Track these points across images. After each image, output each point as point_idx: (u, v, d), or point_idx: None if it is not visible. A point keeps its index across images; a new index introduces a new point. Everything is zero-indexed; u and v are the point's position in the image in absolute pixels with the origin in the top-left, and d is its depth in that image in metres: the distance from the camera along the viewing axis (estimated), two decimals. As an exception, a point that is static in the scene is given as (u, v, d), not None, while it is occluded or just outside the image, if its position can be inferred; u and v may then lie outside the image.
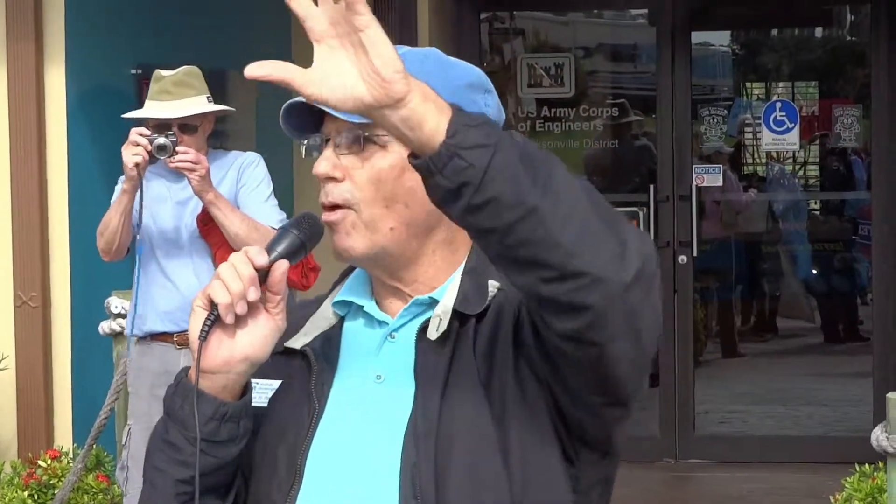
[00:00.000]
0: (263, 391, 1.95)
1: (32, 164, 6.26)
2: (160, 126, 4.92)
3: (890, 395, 3.44)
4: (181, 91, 5.04)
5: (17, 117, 6.28)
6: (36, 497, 5.16)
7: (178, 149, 4.77)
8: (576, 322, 1.71)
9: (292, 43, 7.68)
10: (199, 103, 5.03)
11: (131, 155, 4.73)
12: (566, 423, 1.89)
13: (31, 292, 6.24)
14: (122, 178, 5.03)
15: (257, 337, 1.86)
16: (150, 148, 4.74)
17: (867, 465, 4.99)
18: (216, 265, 4.81)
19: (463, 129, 1.65)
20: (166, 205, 5.09)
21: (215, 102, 5.62)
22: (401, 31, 7.31)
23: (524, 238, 1.67)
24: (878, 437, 3.42)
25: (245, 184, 5.08)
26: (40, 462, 5.53)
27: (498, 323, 1.89)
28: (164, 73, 5.12)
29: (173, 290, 4.97)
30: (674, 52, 8.49)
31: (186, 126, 4.97)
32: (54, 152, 6.26)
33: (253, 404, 1.92)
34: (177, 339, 4.90)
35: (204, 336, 1.83)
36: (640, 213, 8.54)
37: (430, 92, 1.66)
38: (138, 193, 4.85)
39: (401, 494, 1.83)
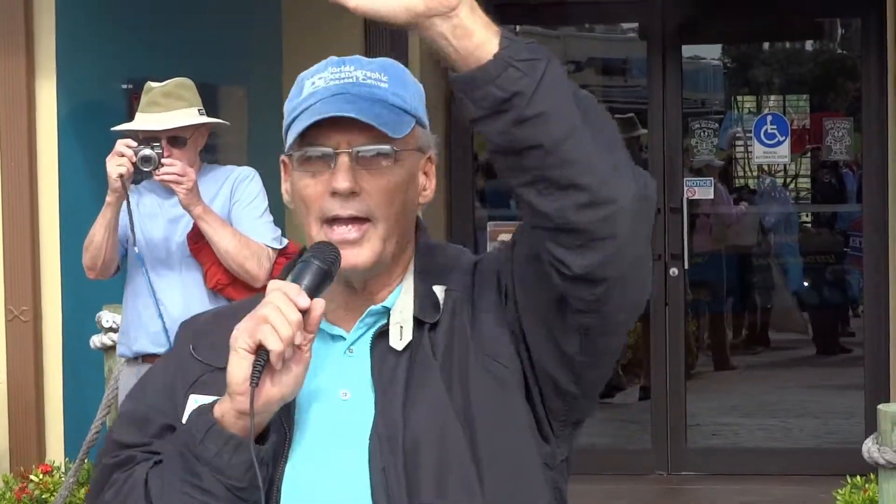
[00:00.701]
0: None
1: (23, 179, 6.24)
2: (149, 139, 4.80)
3: (881, 406, 3.44)
4: (171, 103, 4.92)
5: (8, 132, 6.26)
6: None
7: (163, 161, 4.65)
8: (596, 255, 1.72)
9: (283, 61, 7.73)
10: (189, 115, 4.90)
11: (115, 166, 4.62)
12: (544, 400, 1.88)
13: (22, 306, 6.22)
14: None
15: (293, 377, 1.83)
16: (134, 159, 4.63)
17: (859, 477, 4.99)
18: (206, 284, 4.84)
19: (516, 42, 1.68)
20: (157, 221, 4.97)
21: (214, 118, 5.55)
22: (392, 46, 7.42)
23: (566, 157, 1.69)
24: (870, 448, 3.42)
25: (239, 200, 4.98)
26: (32, 476, 5.50)
27: (452, 323, 1.88)
28: (155, 84, 5.02)
29: (162, 311, 4.87)
30: (664, 65, 8.51)
31: (176, 139, 4.84)
32: (45, 167, 6.24)
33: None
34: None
35: (256, 382, 1.78)
36: None
37: (476, 5, 1.68)
38: (125, 207, 4.73)
39: (374, 502, 1.82)
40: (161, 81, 5.60)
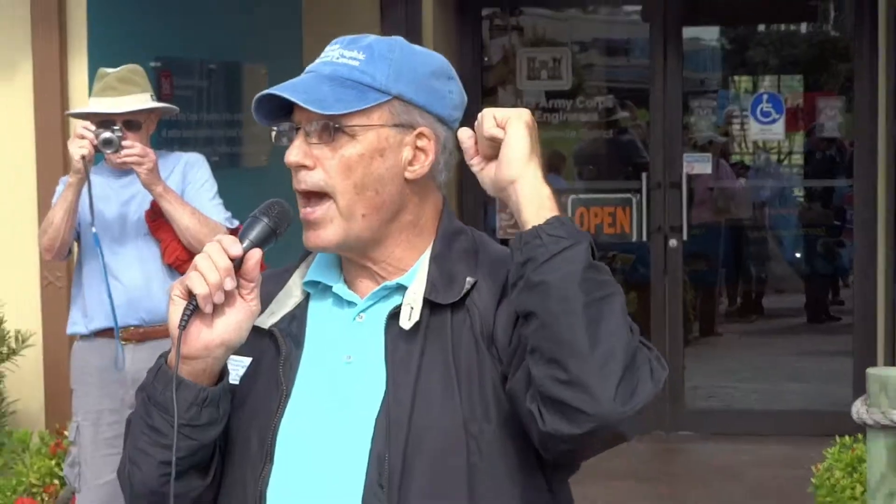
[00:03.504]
0: (235, 368, 1.90)
1: (57, 152, 6.11)
2: (105, 122, 4.65)
3: (870, 370, 3.42)
4: (126, 88, 4.77)
5: (43, 110, 6.17)
6: (61, 465, 5.16)
7: (124, 143, 4.53)
8: (568, 427, 1.69)
9: (303, 37, 7.63)
10: (143, 100, 4.77)
11: (77, 148, 4.48)
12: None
13: (56, 273, 6.12)
14: (63, 178, 4.80)
15: (233, 322, 1.82)
16: (95, 142, 4.51)
17: (847, 437, 4.98)
18: (165, 260, 4.71)
19: (559, 221, 1.74)
20: (109, 203, 4.86)
21: (237, 95, 5.38)
22: (406, 26, 7.24)
23: (556, 334, 1.69)
24: (859, 409, 3.39)
25: (191, 182, 4.90)
26: (65, 433, 5.47)
27: (472, 324, 1.85)
28: (109, 70, 4.86)
29: (119, 287, 4.73)
30: (665, 46, 8.40)
31: (131, 123, 4.71)
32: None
33: (230, 382, 1.88)
34: (122, 334, 4.68)
35: (184, 325, 1.78)
36: (634, 199, 8.46)
37: (539, 181, 1.78)
38: (85, 189, 4.59)
39: (367, 479, 1.78)
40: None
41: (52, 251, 4.71)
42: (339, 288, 1.90)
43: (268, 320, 1.90)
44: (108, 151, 4.51)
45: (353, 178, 1.83)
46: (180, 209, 4.45)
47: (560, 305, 1.70)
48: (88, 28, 6.17)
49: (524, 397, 1.73)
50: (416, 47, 1.94)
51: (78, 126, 4.58)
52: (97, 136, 4.48)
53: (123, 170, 4.68)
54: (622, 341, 1.70)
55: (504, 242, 2.02)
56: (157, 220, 4.67)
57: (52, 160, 6.05)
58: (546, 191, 1.77)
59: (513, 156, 1.79)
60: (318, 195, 1.85)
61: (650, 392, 1.70)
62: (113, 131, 4.50)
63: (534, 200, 1.77)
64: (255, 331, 1.88)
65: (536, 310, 1.71)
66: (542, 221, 1.73)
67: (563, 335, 1.69)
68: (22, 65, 6.03)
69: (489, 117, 1.82)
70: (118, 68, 4.82)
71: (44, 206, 5.65)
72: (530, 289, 1.72)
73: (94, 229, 4.61)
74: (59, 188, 4.78)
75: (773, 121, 8.91)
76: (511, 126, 1.80)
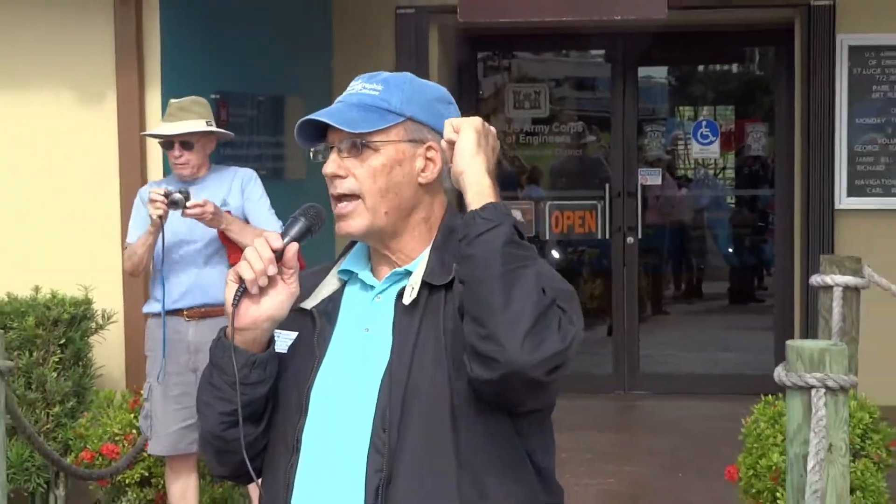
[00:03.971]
0: (285, 340, 1.89)
1: (135, 164, 5.98)
2: (166, 143, 4.64)
3: (788, 342, 3.34)
4: (182, 115, 4.66)
5: (124, 129, 5.99)
6: (137, 418, 5.02)
7: (188, 203, 4.43)
8: (487, 373, 1.67)
9: (333, 75, 7.49)
10: (195, 125, 4.63)
11: (154, 210, 4.43)
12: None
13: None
14: (141, 189, 4.76)
15: (276, 301, 1.82)
16: (166, 203, 4.43)
17: (770, 396, 4.87)
18: (230, 262, 4.57)
19: (492, 206, 1.72)
20: (185, 221, 4.76)
21: (280, 121, 5.19)
22: (417, 67, 7.05)
23: (478, 296, 1.67)
24: (780, 373, 3.30)
25: (248, 198, 4.75)
26: (141, 392, 5.36)
27: (456, 300, 1.81)
28: (174, 100, 4.77)
29: (185, 277, 4.65)
30: (624, 83, 8.29)
31: (185, 143, 4.61)
32: (152, 159, 5.92)
33: (276, 350, 1.87)
34: (186, 313, 4.62)
35: (236, 303, 1.80)
36: (598, 205, 8.36)
37: (482, 177, 1.75)
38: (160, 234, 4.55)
39: (374, 425, 1.77)
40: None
41: (134, 274, 4.72)
42: (364, 274, 1.89)
43: (310, 303, 1.89)
44: (177, 210, 4.43)
45: (378, 183, 1.82)
46: (242, 233, 4.37)
47: (482, 272, 1.69)
48: (162, 66, 6.10)
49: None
50: (423, 80, 1.93)
51: (151, 192, 4.52)
52: (168, 198, 4.42)
53: (191, 180, 4.60)
54: (532, 302, 1.67)
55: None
56: (222, 236, 4.63)
57: (131, 171, 5.98)
58: (487, 181, 1.76)
59: (461, 153, 1.78)
60: (348, 196, 1.84)
61: (557, 344, 1.66)
62: (180, 192, 4.43)
63: (475, 189, 1.75)
64: (300, 311, 1.87)
65: (466, 278, 1.70)
66: (479, 206, 1.72)
67: (482, 297, 1.68)
68: (108, 95, 5.94)
69: (448, 125, 1.80)
70: (182, 98, 4.71)
71: (126, 207, 5.42)
72: (463, 260, 1.72)
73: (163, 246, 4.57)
74: (137, 200, 4.71)
75: (711, 142, 8.79)
76: (462, 130, 1.79)
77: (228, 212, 4.50)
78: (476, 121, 1.81)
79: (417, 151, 1.85)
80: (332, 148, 1.84)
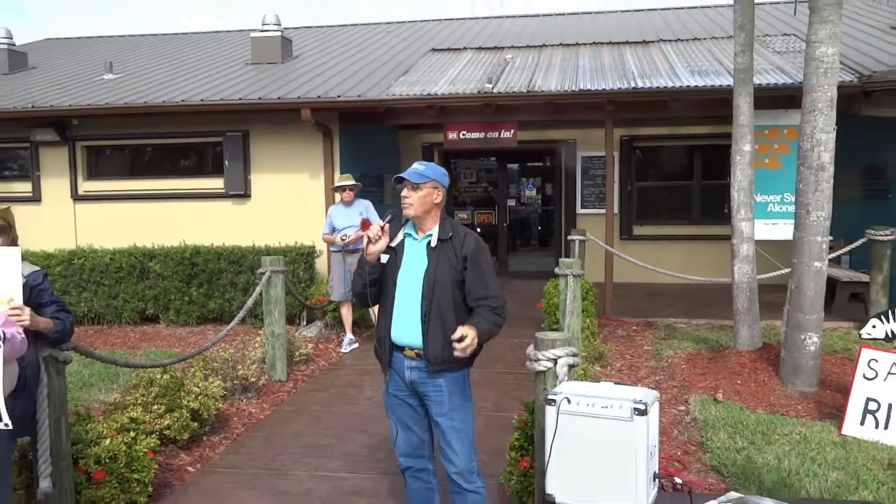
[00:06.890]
0: (385, 258, 3.24)
1: (327, 198, 9.42)
2: (340, 188, 7.38)
3: (561, 259, 5.28)
4: (346, 178, 7.52)
5: (326, 183, 9.61)
6: (327, 290, 7.30)
7: (344, 239, 6.61)
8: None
9: (401, 166, 11.84)
10: (351, 180, 7.51)
11: (339, 239, 6.47)
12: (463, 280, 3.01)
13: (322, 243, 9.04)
14: (332, 208, 7.50)
15: (381, 246, 3.20)
16: (344, 238, 6.85)
17: (554, 279, 7.94)
18: (362, 229, 7.34)
19: (486, 333, 3.17)
20: (341, 216, 7.36)
21: (381, 185, 9.40)
22: (430, 160, 11.17)
23: (484, 340, 3.20)
24: (557, 271, 6.35)
25: (371, 215, 7.62)
26: (328, 279, 8.13)
27: (453, 247, 3.14)
28: (343, 174, 7.53)
29: (345, 237, 7.10)
30: (505, 170, 13.20)
31: (346, 187, 7.38)
32: (334, 196, 8.95)
33: (382, 262, 3.18)
34: (347, 252, 6.97)
35: (365, 246, 2.98)
36: (493, 212, 13.08)
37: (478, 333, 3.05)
38: (337, 234, 6.86)
39: (423, 291, 3.12)
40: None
41: (325, 242, 7.40)
42: (413, 234, 3.25)
43: (393, 243, 3.20)
44: (344, 239, 6.87)
45: (420, 200, 3.13)
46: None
47: (483, 340, 2.94)
48: (340, 160, 9.81)
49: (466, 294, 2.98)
50: (437, 165, 3.31)
51: (337, 237, 6.78)
52: (343, 237, 6.79)
53: (350, 204, 7.37)
54: (491, 332, 3.02)
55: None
56: (364, 223, 7.48)
57: (328, 201, 9.46)
58: (474, 333, 2.87)
59: (476, 338, 3.00)
60: (409, 204, 3.16)
61: (505, 306, 2.98)
62: (343, 238, 6.72)
63: (478, 333, 2.91)
64: (390, 248, 3.19)
65: (482, 342, 3.01)
66: (480, 331, 2.86)
67: (483, 341, 3.04)
68: (320, 173, 9.69)
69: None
70: (345, 174, 7.71)
71: (323, 215, 9.06)
72: (484, 340, 3.00)
73: (339, 239, 7.01)
74: (330, 210, 7.59)
75: (532, 189, 14.86)
76: (470, 334, 3.01)
77: None
78: (474, 333, 2.97)
79: (434, 191, 3.20)
80: (405, 186, 3.16)
